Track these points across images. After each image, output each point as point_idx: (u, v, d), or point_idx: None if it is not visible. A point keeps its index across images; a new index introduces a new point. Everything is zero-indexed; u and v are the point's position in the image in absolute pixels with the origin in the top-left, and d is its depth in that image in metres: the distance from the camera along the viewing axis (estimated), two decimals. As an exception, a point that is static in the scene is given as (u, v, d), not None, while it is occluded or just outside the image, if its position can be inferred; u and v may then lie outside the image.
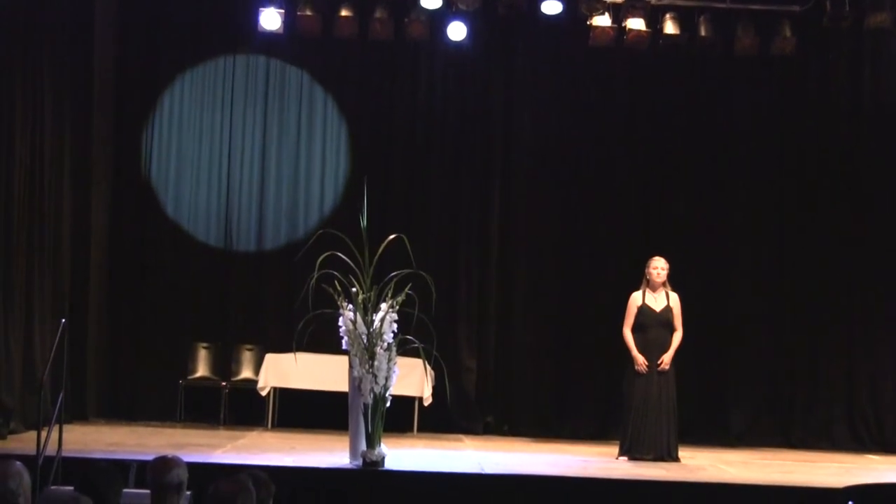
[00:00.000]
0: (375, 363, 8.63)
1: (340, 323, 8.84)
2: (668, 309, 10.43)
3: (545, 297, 12.98)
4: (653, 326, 10.40)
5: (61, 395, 8.36)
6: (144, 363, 12.64)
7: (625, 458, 10.32)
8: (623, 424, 10.53)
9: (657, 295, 10.45)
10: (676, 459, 10.29)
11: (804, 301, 12.94)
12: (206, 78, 13.00)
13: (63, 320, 8.63)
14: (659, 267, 10.45)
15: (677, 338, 10.41)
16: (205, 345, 12.70)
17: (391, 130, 13.14)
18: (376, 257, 8.76)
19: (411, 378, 11.43)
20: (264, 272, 12.90)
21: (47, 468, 7.78)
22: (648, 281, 10.47)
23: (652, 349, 10.38)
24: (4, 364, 10.22)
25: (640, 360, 10.34)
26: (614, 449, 10.82)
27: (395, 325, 8.78)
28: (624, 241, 12.89)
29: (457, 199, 13.07)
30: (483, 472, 9.14)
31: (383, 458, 8.62)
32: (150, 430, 11.51)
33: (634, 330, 10.44)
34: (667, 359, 10.33)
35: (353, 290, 8.73)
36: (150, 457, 5.23)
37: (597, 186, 13.04)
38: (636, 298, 10.49)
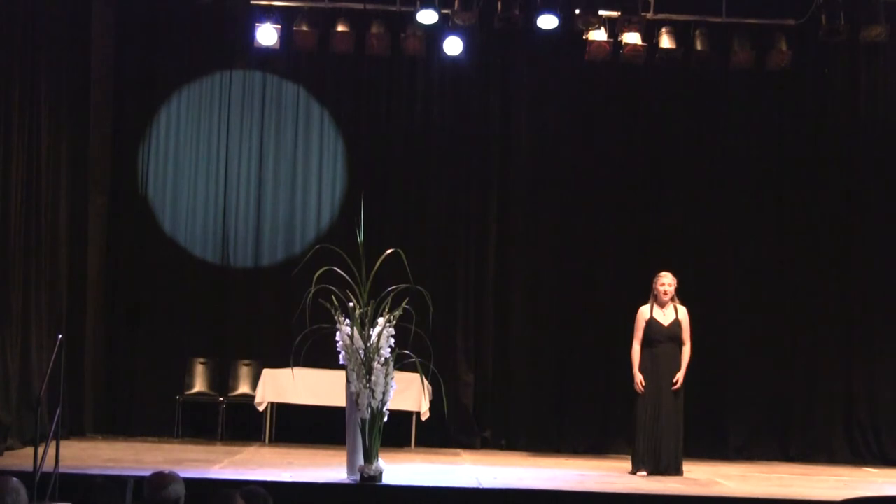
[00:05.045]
0: (373, 378, 8.63)
1: (338, 338, 8.84)
2: (676, 323, 10.40)
3: (543, 311, 12.97)
4: (661, 341, 10.37)
5: (58, 410, 8.35)
6: (142, 379, 12.64)
7: (644, 472, 10.23)
8: (634, 439, 10.49)
9: (665, 309, 10.43)
10: (680, 473, 10.26)
11: (803, 314, 12.95)
12: (203, 93, 13.02)
13: (60, 336, 8.62)
14: (666, 283, 10.43)
15: (686, 354, 10.38)
16: (202, 360, 12.69)
17: (388, 145, 13.16)
18: (373, 272, 8.76)
19: (409, 393, 11.42)
20: (261, 287, 12.89)
21: (44, 484, 7.76)
22: (656, 296, 10.46)
23: (660, 364, 10.35)
24: (1, 380, 10.21)
25: (639, 379, 10.32)
26: (612, 463, 10.82)
27: (392, 340, 8.78)
28: (623, 254, 12.90)
29: (454, 214, 13.08)
30: (480, 486, 9.12)
31: (381, 473, 8.61)
32: (147, 445, 11.50)
33: (643, 345, 10.41)
34: (680, 377, 10.31)
35: (351, 304, 8.74)
36: (147, 472, 5.22)
37: (595, 200, 13.04)
38: (644, 313, 10.46)
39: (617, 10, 12.19)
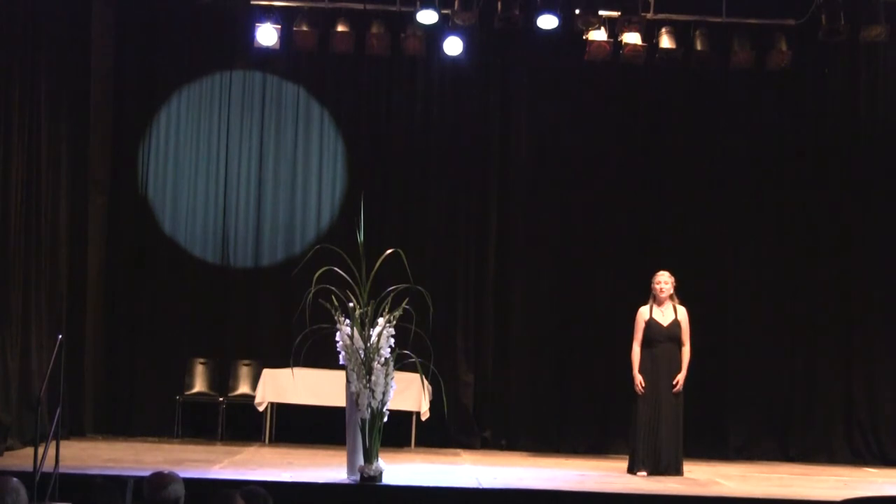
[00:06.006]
0: (373, 378, 8.63)
1: (338, 338, 8.84)
2: (675, 323, 10.38)
3: (543, 310, 12.97)
4: (661, 341, 10.34)
5: (58, 410, 8.34)
6: (142, 379, 12.64)
7: (644, 472, 10.20)
8: (632, 439, 10.49)
9: (664, 309, 10.42)
10: (681, 474, 10.25)
11: (803, 314, 12.95)
12: (203, 93, 13.02)
13: (60, 336, 8.61)
14: (662, 282, 10.41)
15: (686, 354, 10.36)
16: (202, 360, 12.69)
17: (388, 145, 13.16)
18: (373, 272, 8.76)
19: (409, 393, 11.41)
20: (261, 287, 12.89)
21: (44, 484, 7.76)
22: (654, 296, 10.45)
23: (660, 364, 10.32)
24: (1, 380, 10.21)
25: (639, 380, 10.31)
26: (612, 463, 10.79)
27: (392, 340, 8.78)
28: (623, 254, 12.90)
29: (454, 214, 13.08)
30: (480, 486, 9.12)
31: (381, 473, 8.61)
32: (147, 445, 11.50)
33: (642, 345, 10.40)
34: (680, 379, 10.30)
35: (351, 304, 8.74)
36: (147, 472, 5.22)
37: (595, 200, 13.05)
38: (643, 313, 10.44)
39: (617, 10, 12.19)
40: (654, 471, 10.16)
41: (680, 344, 10.38)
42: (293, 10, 12.46)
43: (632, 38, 12.24)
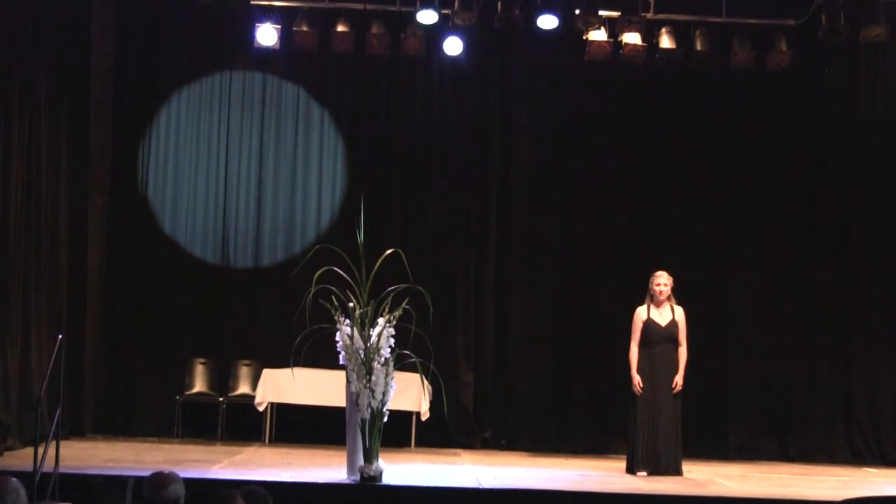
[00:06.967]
0: (373, 378, 8.64)
1: (338, 338, 8.84)
2: (673, 323, 10.38)
3: (543, 310, 12.97)
4: (659, 342, 10.34)
5: (58, 410, 8.34)
6: (141, 379, 12.64)
7: (644, 472, 10.20)
8: (631, 439, 10.48)
9: (662, 309, 10.41)
10: (680, 474, 10.25)
11: (803, 314, 12.95)
12: (203, 93, 13.03)
13: (60, 336, 8.61)
14: (662, 283, 10.41)
15: (683, 355, 10.37)
16: (202, 360, 12.69)
17: (388, 145, 13.16)
18: (373, 272, 8.76)
19: (409, 393, 11.41)
20: (261, 287, 12.89)
21: (44, 484, 7.76)
22: (652, 296, 10.44)
23: (658, 364, 10.33)
24: (1, 380, 10.21)
25: (637, 380, 10.30)
26: (612, 463, 10.77)
27: (392, 340, 8.78)
28: (622, 255, 12.89)
29: (454, 214, 13.08)
30: (480, 486, 9.12)
31: (381, 473, 8.62)
32: (147, 445, 11.50)
33: (641, 345, 10.39)
34: (679, 380, 10.30)
35: (351, 304, 8.74)
36: (147, 472, 5.22)
37: (594, 200, 13.05)
38: (641, 313, 10.44)
39: (617, 10, 12.18)
40: (654, 471, 10.16)
41: (677, 344, 10.38)
42: (293, 10, 12.46)
43: (632, 38, 12.24)
